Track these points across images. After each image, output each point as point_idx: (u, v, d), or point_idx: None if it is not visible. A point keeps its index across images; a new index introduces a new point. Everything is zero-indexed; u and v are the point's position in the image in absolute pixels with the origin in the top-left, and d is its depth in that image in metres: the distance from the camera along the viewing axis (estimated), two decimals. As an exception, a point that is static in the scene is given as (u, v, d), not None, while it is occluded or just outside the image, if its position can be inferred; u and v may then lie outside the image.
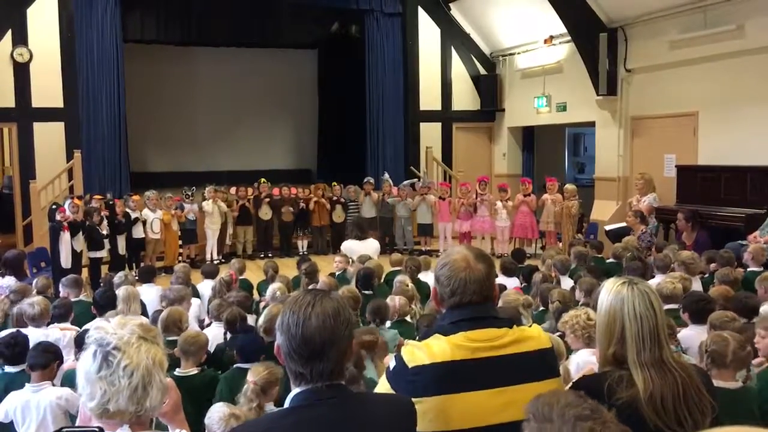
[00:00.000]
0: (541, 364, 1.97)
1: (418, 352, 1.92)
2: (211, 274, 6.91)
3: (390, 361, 2.02)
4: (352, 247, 8.82)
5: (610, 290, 2.02)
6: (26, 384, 3.67)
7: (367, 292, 5.77)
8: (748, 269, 6.02)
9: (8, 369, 3.95)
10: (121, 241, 9.66)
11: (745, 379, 3.11)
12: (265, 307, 4.97)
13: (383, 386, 1.97)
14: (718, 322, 3.70)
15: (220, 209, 10.75)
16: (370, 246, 9.03)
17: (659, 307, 1.99)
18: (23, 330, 4.43)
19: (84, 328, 4.61)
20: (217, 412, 2.77)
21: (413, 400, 1.82)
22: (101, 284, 6.87)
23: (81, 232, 8.73)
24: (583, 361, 3.24)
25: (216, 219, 10.72)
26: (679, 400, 1.88)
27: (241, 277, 7.00)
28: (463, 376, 1.89)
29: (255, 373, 3.17)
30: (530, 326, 2.07)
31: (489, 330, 1.95)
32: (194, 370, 3.88)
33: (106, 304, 5.15)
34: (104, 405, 1.47)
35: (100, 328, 1.54)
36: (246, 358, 3.85)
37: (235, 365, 3.91)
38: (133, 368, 1.48)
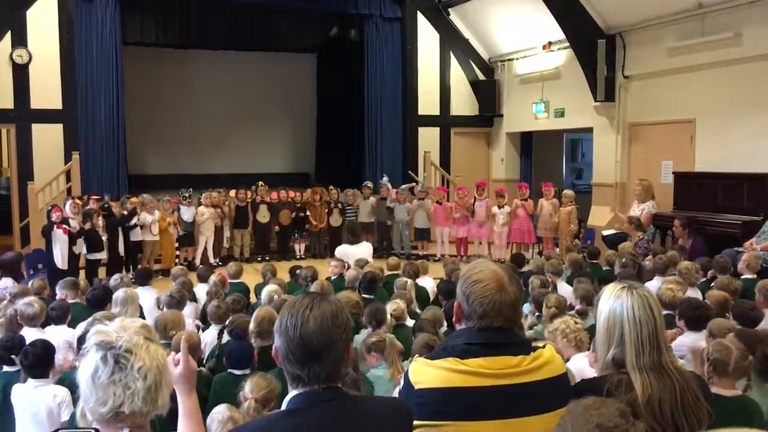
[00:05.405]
0: (555, 393, 1.90)
1: (426, 374, 1.88)
2: (205, 278, 6.90)
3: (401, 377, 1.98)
4: (346, 251, 8.82)
5: (610, 295, 2.03)
6: (29, 380, 3.72)
7: (368, 296, 5.75)
8: (743, 276, 6.03)
9: (6, 369, 3.99)
10: (120, 243, 9.60)
11: (745, 388, 3.10)
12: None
13: None
14: (717, 331, 3.69)
15: (212, 218, 10.66)
16: (364, 250, 9.03)
17: (658, 311, 2.00)
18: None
19: (82, 328, 4.61)
20: (218, 414, 2.79)
21: (419, 422, 1.78)
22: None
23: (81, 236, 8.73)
24: (582, 366, 3.24)
25: (208, 226, 10.68)
26: (676, 405, 1.89)
27: (238, 280, 7.01)
28: (474, 405, 1.84)
29: (256, 388, 2.93)
30: (544, 347, 2.00)
31: (505, 358, 1.88)
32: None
33: (95, 303, 5.21)
34: (117, 409, 1.45)
35: (102, 332, 1.51)
36: (234, 364, 3.85)
37: (228, 370, 3.90)
38: (147, 370, 1.47)
